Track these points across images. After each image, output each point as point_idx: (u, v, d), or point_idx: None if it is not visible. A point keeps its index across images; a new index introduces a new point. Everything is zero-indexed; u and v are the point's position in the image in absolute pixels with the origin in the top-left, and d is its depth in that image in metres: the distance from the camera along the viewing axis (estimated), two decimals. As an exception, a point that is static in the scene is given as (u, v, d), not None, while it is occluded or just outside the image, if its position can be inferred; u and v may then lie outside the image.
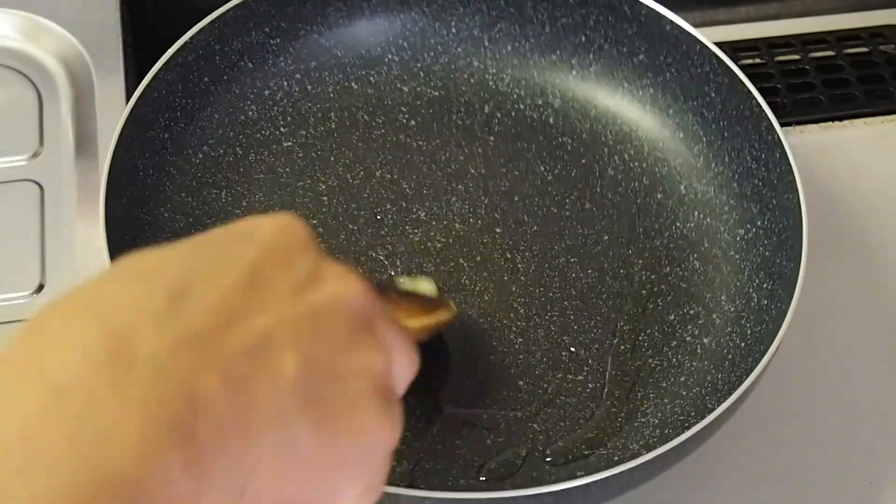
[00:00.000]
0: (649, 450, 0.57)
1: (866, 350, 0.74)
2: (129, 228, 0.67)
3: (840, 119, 0.87)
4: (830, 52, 0.91)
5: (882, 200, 0.82)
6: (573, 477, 0.57)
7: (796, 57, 0.90)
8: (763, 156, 0.70)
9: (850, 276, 0.77)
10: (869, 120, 0.87)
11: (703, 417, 0.57)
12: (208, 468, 0.33)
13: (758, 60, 0.89)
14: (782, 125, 0.81)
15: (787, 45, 0.90)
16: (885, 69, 0.91)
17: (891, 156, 0.85)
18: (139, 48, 0.84)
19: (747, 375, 0.59)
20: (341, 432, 0.37)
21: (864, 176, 0.83)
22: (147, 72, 0.69)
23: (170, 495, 0.31)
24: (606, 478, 0.56)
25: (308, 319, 0.37)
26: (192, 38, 0.71)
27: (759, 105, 0.70)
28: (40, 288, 0.73)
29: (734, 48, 0.89)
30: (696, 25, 0.71)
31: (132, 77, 0.81)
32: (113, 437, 0.31)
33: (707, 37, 0.72)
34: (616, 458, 0.63)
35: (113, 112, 0.77)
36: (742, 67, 0.71)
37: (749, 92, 0.70)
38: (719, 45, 0.72)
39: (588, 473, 0.56)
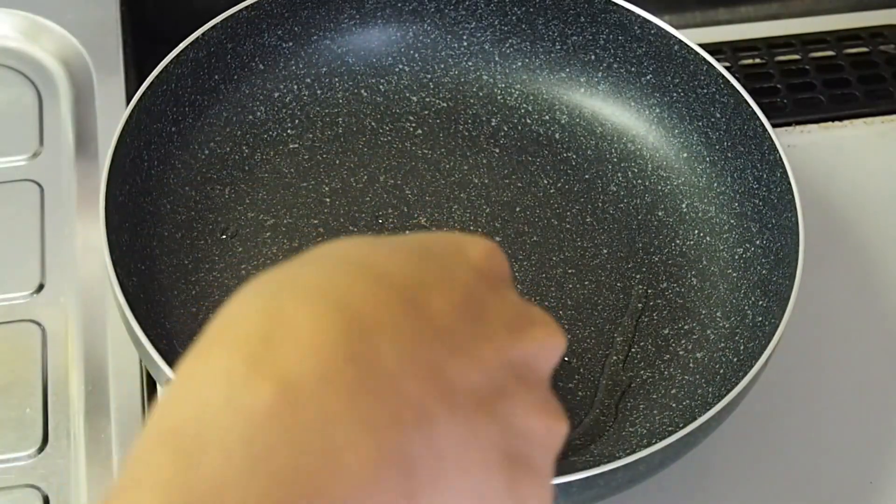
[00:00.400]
0: (635, 458, 0.57)
1: (866, 351, 0.74)
2: (129, 216, 0.67)
3: (840, 119, 0.87)
4: (830, 52, 0.91)
5: (882, 200, 0.82)
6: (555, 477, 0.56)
7: (796, 57, 0.90)
8: (765, 176, 0.70)
9: (850, 277, 0.77)
10: (869, 120, 0.87)
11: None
12: (419, 501, 0.31)
13: (758, 60, 0.90)
14: (782, 125, 0.82)
15: (787, 45, 0.91)
16: (885, 69, 0.91)
17: (891, 156, 0.85)
18: (139, 48, 0.85)
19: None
20: (521, 499, 0.35)
21: (864, 176, 0.83)
22: (148, 72, 0.70)
23: None
24: (587, 477, 0.56)
25: (520, 365, 0.36)
26: (204, 34, 0.72)
27: (762, 125, 0.70)
28: (40, 288, 0.73)
29: (734, 48, 0.90)
30: (695, 25, 0.72)
31: (132, 77, 0.81)
32: (341, 456, 0.29)
33: (707, 37, 0.72)
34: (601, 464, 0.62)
35: (113, 112, 0.78)
36: (742, 67, 0.71)
37: (753, 112, 0.71)
38: (719, 45, 0.72)
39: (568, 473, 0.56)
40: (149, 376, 0.69)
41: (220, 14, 0.73)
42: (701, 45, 0.74)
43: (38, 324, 0.72)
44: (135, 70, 0.83)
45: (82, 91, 0.83)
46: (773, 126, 0.70)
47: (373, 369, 0.30)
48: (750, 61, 0.90)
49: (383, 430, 0.30)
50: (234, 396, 0.29)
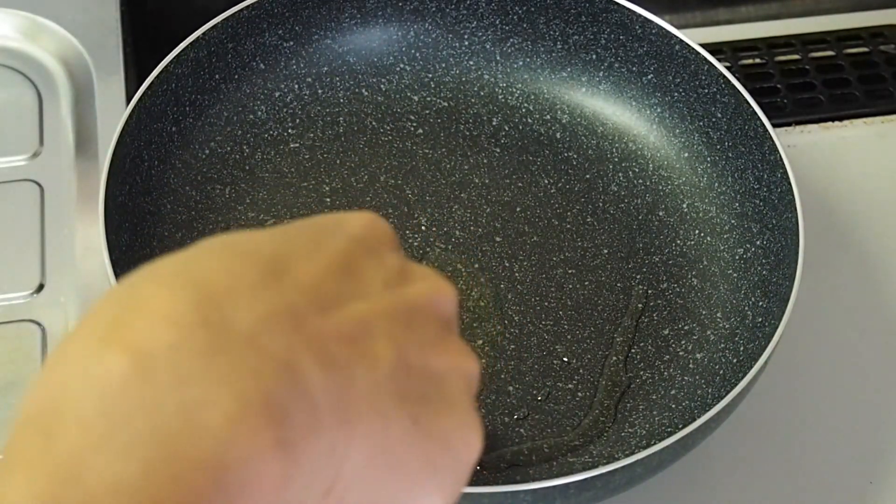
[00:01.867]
0: (634, 459, 0.57)
1: (866, 351, 0.74)
2: (129, 216, 0.67)
3: (840, 119, 0.87)
4: (830, 52, 0.91)
5: (882, 200, 0.82)
6: (553, 478, 0.56)
7: (796, 57, 0.90)
8: (765, 176, 0.70)
9: (850, 277, 0.77)
10: (869, 120, 0.87)
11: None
12: (299, 455, 0.30)
13: (758, 60, 0.90)
14: (782, 125, 0.82)
15: (787, 45, 0.91)
16: (885, 69, 0.91)
17: (891, 156, 0.85)
18: (139, 48, 0.85)
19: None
20: (435, 433, 0.35)
21: (864, 176, 0.83)
22: (148, 72, 0.70)
23: (257, 481, 0.29)
24: (584, 479, 0.56)
25: (402, 313, 0.35)
26: (204, 34, 0.72)
27: (763, 125, 0.70)
28: (40, 288, 0.73)
29: (734, 48, 0.90)
30: (696, 25, 0.72)
31: (132, 77, 0.81)
32: (201, 413, 0.29)
33: (707, 37, 0.72)
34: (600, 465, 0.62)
35: (113, 112, 0.78)
36: (742, 67, 0.71)
37: (754, 112, 0.71)
38: (719, 45, 0.72)
39: (567, 475, 0.56)
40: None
41: (220, 14, 0.73)
42: (701, 45, 0.74)
43: (38, 324, 0.72)
44: (135, 70, 0.83)
45: (82, 91, 0.83)
46: (774, 126, 0.70)
47: (226, 331, 0.30)
48: (750, 61, 0.89)
49: (242, 384, 0.29)
50: (89, 372, 0.29)
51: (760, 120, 0.70)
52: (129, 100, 0.77)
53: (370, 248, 0.37)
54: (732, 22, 0.91)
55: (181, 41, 0.71)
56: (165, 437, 0.28)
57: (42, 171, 0.79)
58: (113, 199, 0.65)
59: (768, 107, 0.73)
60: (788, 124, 0.85)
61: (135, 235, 0.67)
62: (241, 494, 0.29)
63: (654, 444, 0.57)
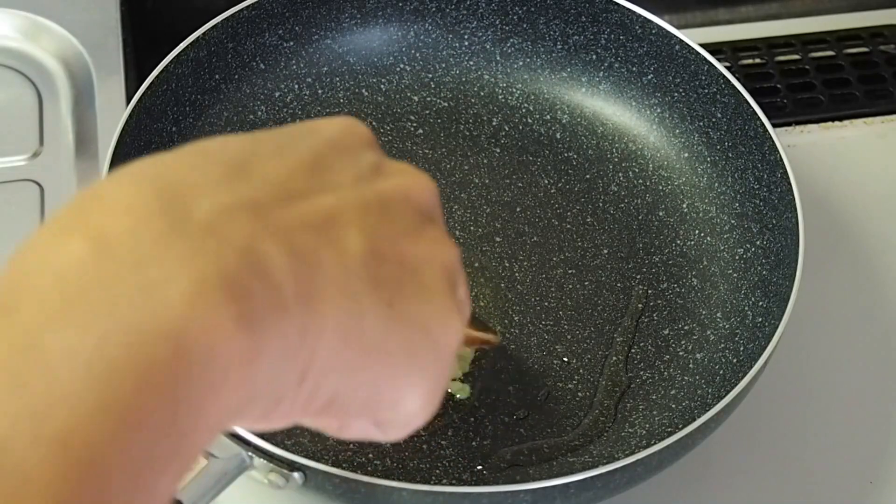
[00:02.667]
0: (634, 459, 0.57)
1: (866, 351, 0.74)
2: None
3: (840, 119, 0.87)
4: (830, 52, 0.91)
5: (882, 200, 0.82)
6: (553, 478, 0.56)
7: (796, 57, 0.90)
8: (765, 176, 0.70)
9: (850, 277, 0.77)
10: (869, 120, 0.87)
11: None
12: (263, 334, 0.30)
13: (758, 60, 0.90)
14: (782, 125, 0.81)
15: (787, 45, 0.91)
16: (885, 69, 0.91)
17: (891, 156, 0.85)
18: (139, 48, 0.85)
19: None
20: (412, 318, 0.35)
21: (864, 176, 0.83)
22: (148, 72, 0.70)
23: (220, 355, 0.29)
24: (584, 479, 0.56)
25: (374, 204, 0.35)
26: (204, 34, 0.72)
27: (763, 125, 0.70)
28: None
29: (734, 48, 0.90)
30: (696, 25, 0.72)
31: (132, 77, 0.81)
32: (159, 290, 0.29)
33: (707, 37, 0.72)
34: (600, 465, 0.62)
35: (113, 112, 0.78)
36: (742, 67, 0.71)
37: (754, 112, 0.71)
38: (719, 45, 0.72)
39: (567, 474, 0.56)
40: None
41: (220, 14, 0.73)
42: (701, 45, 0.74)
43: None
44: (135, 70, 0.83)
45: (82, 91, 0.83)
46: (774, 126, 0.70)
47: (187, 219, 0.30)
48: (750, 61, 0.89)
49: (201, 264, 0.30)
50: (49, 255, 0.30)
51: (760, 120, 0.70)
52: (129, 100, 0.77)
53: (344, 146, 0.37)
54: (732, 22, 0.92)
55: (181, 41, 0.71)
56: (122, 310, 0.28)
57: (42, 171, 0.79)
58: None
59: (768, 107, 0.73)
60: (788, 124, 0.85)
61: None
62: (205, 368, 0.29)
63: (654, 443, 0.57)
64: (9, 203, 0.78)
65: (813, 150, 0.84)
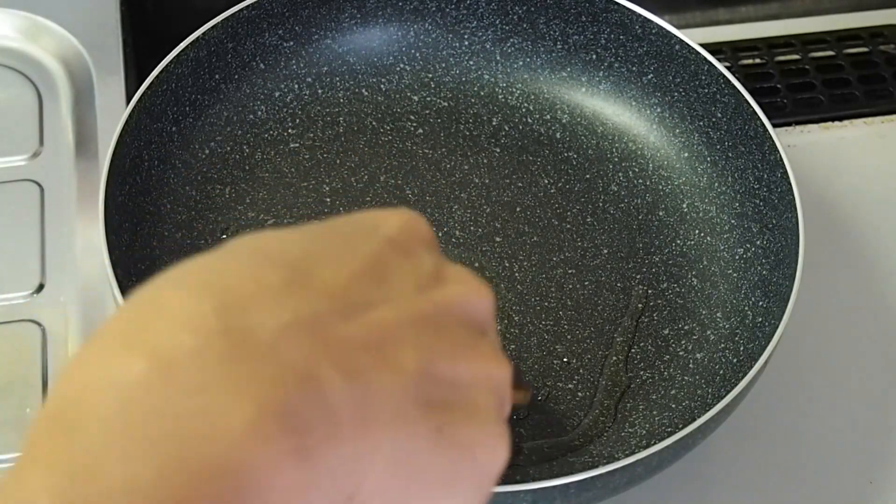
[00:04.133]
0: (634, 459, 0.57)
1: (866, 351, 0.74)
2: (129, 216, 0.67)
3: (840, 119, 0.87)
4: (830, 52, 0.91)
5: (882, 200, 0.82)
6: (553, 478, 0.56)
7: (796, 57, 0.90)
8: (765, 176, 0.70)
9: (850, 277, 0.77)
10: (869, 120, 0.87)
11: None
12: (318, 463, 0.30)
13: (758, 60, 0.90)
14: (782, 125, 0.81)
15: (787, 45, 0.91)
16: (885, 69, 0.91)
17: (891, 156, 0.85)
18: (139, 48, 0.85)
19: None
20: (460, 443, 0.35)
21: (864, 176, 0.83)
22: (148, 72, 0.70)
23: (274, 488, 0.29)
24: (584, 479, 0.56)
25: (431, 318, 0.35)
26: (204, 34, 0.72)
27: (763, 125, 0.70)
28: (40, 288, 0.73)
29: (734, 48, 0.90)
30: (696, 25, 0.72)
31: (132, 77, 0.81)
32: (220, 418, 0.29)
33: (707, 37, 0.72)
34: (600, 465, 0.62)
35: (113, 112, 0.78)
36: (742, 67, 0.71)
37: (754, 112, 0.71)
38: (719, 45, 0.72)
39: (567, 475, 0.56)
40: (149, 376, 0.69)
41: (220, 13, 0.73)
42: (701, 45, 0.74)
43: (38, 324, 0.72)
44: (135, 70, 0.83)
45: (82, 91, 0.83)
46: (774, 126, 0.70)
47: (247, 339, 0.30)
48: (750, 61, 0.89)
49: (260, 392, 0.30)
50: (110, 373, 0.30)
51: (760, 120, 0.70)
52: (129, 100, 0.77)
53: (405, 249, 0.36)
54: (732, 22, 0.91)
55: (181, 41, 0.71)
56: (182, 440, 0.28)
57: (42, 171, 0.79)
58: (113, 199, 0.65)
59: (768, 107, 0.73)
60: (788, 124, 0.85)
61: (135, 235, 0.67)
62: (260, 497, 0.29)
63: (654, 443, 0.57)
64: (9, 203, 0.78)
65: (813, 150, 0.84)
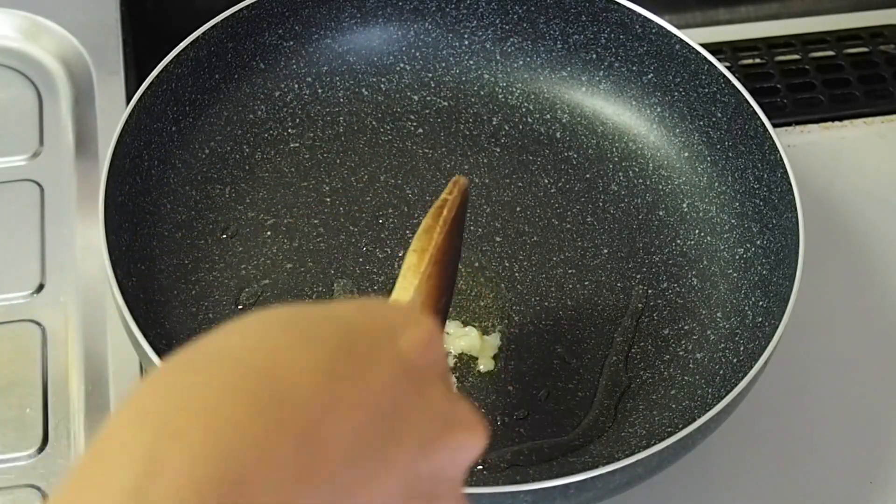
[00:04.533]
0: (634, 460, 0.57)
1: (866, 352, 0.75)
2: (129, 216, 0.67)
3: (840, 119, 0.87)
4: (830, 52, 0.92)
5: (882, 200, 0.82)
6: (553, 478, 0.56)
7: (796, 57, 0.90)
8: (765, 176, 0.70)
9: (850, 277, 0.78)
10: (869, 120, 0.88)
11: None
12: None
13: (758, 60, 0.90)
14: (782, 125, 0.81)
15: (787, 45, 0.91)
16: (885, 69, 0.91)
17: (891, 156, 0.85)
18: (139, 48, 0.85)
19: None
20: None
21: (864, 176, 0.83)
22: (148, 72, 0.70)
23: None
24: (584, 479, 0.56)
25: (434, 475, 0.36)
26: (204, 34, 0.72)
27: (763, 125, 0.70)
28: (40, 288, 0.74)
29: (734, 48, 0.90)
30: (696, 25, 0.72)
31: (132, 77, 0.81)
32: None
33: (707, 37, 0.72)
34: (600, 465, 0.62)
35: (113, 112, 0.78)
36: (742, 67, 0.71)
37: (754, 112, 0.71)
38: (719, 45, 0.72)
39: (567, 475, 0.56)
40: (149, 376, 0.69)
41: (220, 13, 0.73)
42: (701, 45, 0.74)
43: (38, 324, 0.72)
44: (135, 70, 0.83)
45: (82, 91, 0.83)
46: (774, 126, 0.70)
47: None
48: (750, 61, 0.89)
49: None
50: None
51: (760, 120, 0.70)
52: (129, 100, 0.77)
53: (418, 379, 0.36)
54: (732, 22, 0.92)
55: (181, 41, 0.71)
56: None
57: (42, 171, 0.79)
58: (113, 200, 0.65)
59: (768, 107, 0.73)
60: (788, 124, 0.86)
61: (135, 235, 0.68)
62: None
63: (655, 444, 0.57)
64: (9, 203, 0.78)
65: (813, 150, 0.84)
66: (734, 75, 0.72)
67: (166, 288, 0.68)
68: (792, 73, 0.89)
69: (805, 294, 0.64)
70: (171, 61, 0.70)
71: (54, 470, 0.66)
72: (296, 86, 0.77)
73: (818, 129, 0.86)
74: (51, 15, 0.86)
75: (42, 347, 0.71)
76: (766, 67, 0.89)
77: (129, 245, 0.66)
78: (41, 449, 0.67)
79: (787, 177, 0.68)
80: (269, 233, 0.71)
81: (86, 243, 0.75)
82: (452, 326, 0.68)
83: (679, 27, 0.75)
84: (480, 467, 0.63)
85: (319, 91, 0.78)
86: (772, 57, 0.89)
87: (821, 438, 0.70)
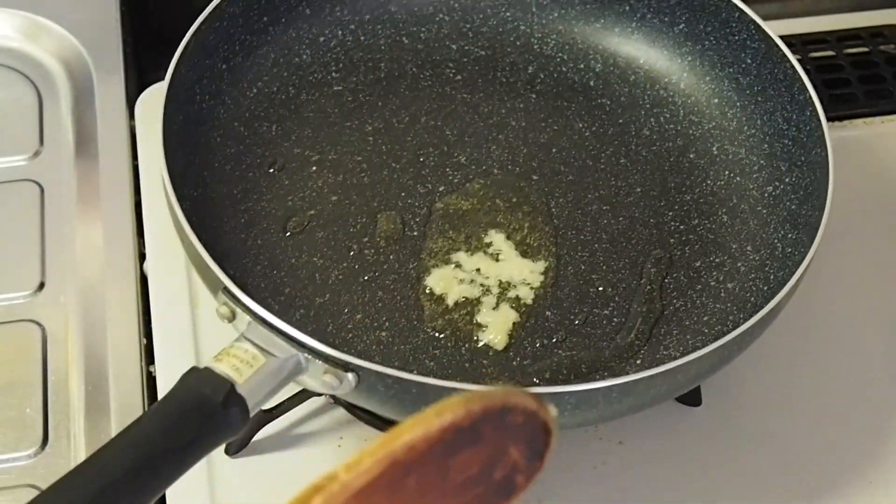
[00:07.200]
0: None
1: (864, 353, 0.75)
2: (183, 144, 0.70)
3: (840, 119, 0.87)
4: (830, 52, 0.92)
5: (881, 200, 0.83)
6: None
7: (796, 57, 0.91)
8: (794, 116, 0.73)
9: (848, 282, 0.78)
10: (869, 120, 0.88)
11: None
12: None
13: None
14: None
15: (787, 45, 0.92)
16: (885, 69, 0.92)
17: (891, 156, 0.85)
18: (139, 48, 0.86)
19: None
20: None
21: (864, 176, 0.84)
22: (148, 72, 0.70)
23: None
24: (627, 382, 0.58)
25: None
26: (255, -23, 0.75)
27: (792, 67, 0.73)
28: (40, 288, 0.75)
29: None
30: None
31: (132, 77, 0.82)
32: None
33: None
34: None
35: (113, 112, 0.79)
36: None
37: (784, 55, 0.73)
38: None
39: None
40: (149, 376, 0.72)
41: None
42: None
43: (38, 324, 0.73)
44: (135, 70, 0.83)
45: (82, 91, 0.84)
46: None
47: None
48: (750, 60, 0.91)
49: None
50: None
51: (790, 62, 0.73)
52: (129, 100, 0.79)
53: None
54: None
55: (181, 41, 0.71)
56: None
57: (42, 171, 0.80)
58: (169, 126, 0.67)
59: (801, 67, 0.74)
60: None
61: (188, 163, 0.70)
62: None
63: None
64: (9, 203, 0.79)
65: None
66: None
67: (218, 214, 0.70)
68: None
69: (833, 228, 0.65)
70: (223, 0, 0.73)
71: (54, 470, 0.66)
72: (339, 32, 0.80)
73: (818, 129, 0.86)
74: (51, 15, 0.86)
75: (42, 347, 0.72)
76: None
77: (182, 171, 0.68)
78: (41, 449, 0.68)
79: (817, 114, 0.70)
80: (314, 168, 0.74)
81: (86, 243, 0.76)
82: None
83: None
84: (517, 380, 0.65)
85: (362, 38, 0.80)
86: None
87: (821, 438, 0.71)
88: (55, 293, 0.74)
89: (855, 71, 0.91)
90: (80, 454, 0.67)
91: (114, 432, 0.66)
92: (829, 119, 0.85)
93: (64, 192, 0.79)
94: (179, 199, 0.63)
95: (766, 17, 0.74)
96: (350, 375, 0.57)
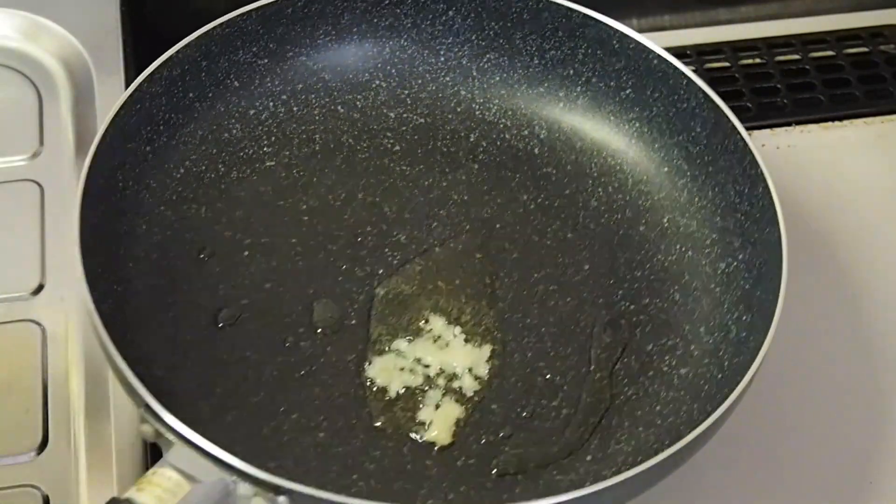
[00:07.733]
0: (621, 477, 0.56)
1: (864, 351, 0.75)
2: (104, 238, 0.66)
3: (840, 119, 0.87)
4: (830, 52, 0.92)
5: (881, 200, 0.82)
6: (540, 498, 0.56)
7: (796, 57, 0.90)
8: (746, 190, 0.70)
9: (848, 275, 0.78)
10: (869, 120, 0.88)
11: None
12: None
13: (758, 60, 0.90)
14: (782, 125, 0.82)
15: (787, 45, 0.91)
16: (885, 69, 0.92)
17: (891, 156, 0.85)
18: (139, 48, 0.85)
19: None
20: None
21: (864, 176, 0.84)
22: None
23: None
24: (572, 499, 0.55)
25: None
26: (177, 52, 0.71)
27: (742, 140, 0.70)
28: (40, 288, 0.74)
29: (734, 48, 0.90)
30: (696, 25, 0.72)
31: (132, 77, 0.80)
32: None
33: (707, 37, 0.72)
34: (587, 483, 0.62)
35: (113, 112, 0.78)
36: (742, 67, 0.71)
37: (734, 127, 0.71)
38: (719, 44, 0.72)
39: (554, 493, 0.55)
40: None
41: (220, 14, 0.73)
42: (701, 46, 0.74)
43: (38, 324, 0.72)
44: (135, 70, 0.82)
45: (82, 91, 0.83)
46: (773, 126, 0.70)
47: None
48: (750, 61, 0.90)
49: None
50: None
51: (740, 134, 0.70)
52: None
53: None
54: (732, 22, 0.92)
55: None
56: None
57: (42, 171, 0.80)
58: (88, 222, 0.63)
59: (768, 107, 0.73)
60: (788, 124, 0.86)
61: (110, 257, 0.66)
62: None
63: (641, 461, 0.57)
64: (9, 203, 0.78)
65: (813, 150, 0.84)
66: (734, 75, 0.72)
67: (144, 309, 0.66)
68: (792, 73, 0.90)
69: (790, 304, 0.63)
70: (144, 80, 0.70)
71: (54, 470, 0.65)
72: (270, 104, 0.77)
73: (818, 129, 0.86)
74: (51, 15, 0.86)
75: (42, 347, 0.71)
76: (766, 67, 0.89)
77: (104, 267, 0.65)
78: (41, 449, 0.67)
79: (769, 191, 0.68)
80: (246, 252, 0.70)
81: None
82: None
83: (679, 27, 0.75)
84: (465, 487, 0.62)
85: (295, 109, 0.77)
86: (772, 57, 0.90)
87: (820, 438, 0.71)
88: (55, 293, 0.73)
89: (855, 71, 0.91)
90: (80, 454, 0.66)
91: (113, 432, 0.66)
92: (829, 119, 0.86)
93: (64, 192, 0.78)
94: (97, 302, 0.60)
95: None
96: (281, 498, 0.55)
